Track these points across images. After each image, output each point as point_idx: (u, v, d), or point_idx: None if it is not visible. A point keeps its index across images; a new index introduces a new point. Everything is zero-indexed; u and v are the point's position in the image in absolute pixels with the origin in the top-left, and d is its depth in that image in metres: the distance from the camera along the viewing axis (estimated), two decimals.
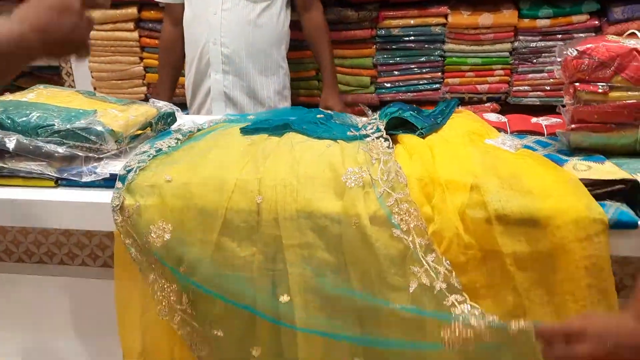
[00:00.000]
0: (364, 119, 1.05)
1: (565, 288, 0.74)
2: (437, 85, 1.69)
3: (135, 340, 0.90)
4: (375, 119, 0.98)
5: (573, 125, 0.92)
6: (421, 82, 1.69)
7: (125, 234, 0.85)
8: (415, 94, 1.70)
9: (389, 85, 1.72)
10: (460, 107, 1.07)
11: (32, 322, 1.06)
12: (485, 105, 1.66)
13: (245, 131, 0.98)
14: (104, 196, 0.87)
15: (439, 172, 0.81)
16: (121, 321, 0.90)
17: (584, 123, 0.91)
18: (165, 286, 0.83)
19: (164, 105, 1.05)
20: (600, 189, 0.77)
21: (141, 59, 1.80)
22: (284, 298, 0.82)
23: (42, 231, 1.01)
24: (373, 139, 0.90)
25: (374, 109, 1.07)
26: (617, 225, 0.73)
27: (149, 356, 0.90)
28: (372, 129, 0.94)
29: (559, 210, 0.74)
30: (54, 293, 1.02)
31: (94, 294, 1.00)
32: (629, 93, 0.88)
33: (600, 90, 0.89)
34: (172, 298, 0.83)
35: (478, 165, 0.82)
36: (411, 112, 0.96)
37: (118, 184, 0.86)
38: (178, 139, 0.98)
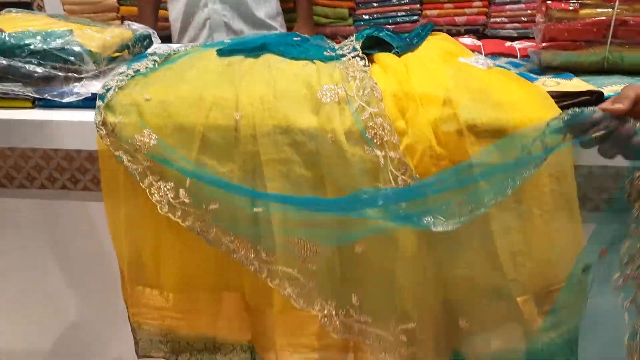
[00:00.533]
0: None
1: (530, 194, 0.78)
2: (416, 17, 1.69)
3: (126, 253, 0.93)
4: (352, 40, 0.98)
5: (544, 44, 0.94)
6: (399, 14, 1.69)
7: (114, 146, 0.85)
8: (393, 26, 1.69)
9: (367, 17, 1.71)
10: None
11: (14, 243, 1.08)
12: (464, 37, 1.67)
13: (221, 53, 0.98)
14: (85, 115, 0.87)
15: (413, 86, 0.83)
16: (113, 233, 0.92)
17: (555, 41, 0.93)
18: (162, 186, 0.85)
19: (140, 28, 1.04)
20: (566, 101, 0.80)
21: None
22: (261, 210, 0.85)
23: (22, 155, 1.01)
24: (349, 59, 0.91)
25: None
26: None
27: (139, 265, 0.93)
28: (348, 49, 0.95)
29: (527, 121, 0.77)
30: (35, 216, 1.04)
31: (75, 216, 1.02)
32: (598, 10, 0.90)
33: (571, 8, 0.91)
34: (170, 196, 0.85)
35: (451, 81, 0.84)
36: (388, 32, 0.96)
37: (98, 102, 0.86)
38: (155, 61, 0.97)
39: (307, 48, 0.98)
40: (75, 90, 0.90)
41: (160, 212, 0.85)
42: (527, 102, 0.79)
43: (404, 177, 0.80)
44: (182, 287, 0.94)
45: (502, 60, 1.02)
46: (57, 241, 1.10)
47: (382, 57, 0.92)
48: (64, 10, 1.79)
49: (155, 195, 0.85)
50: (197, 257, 0.92)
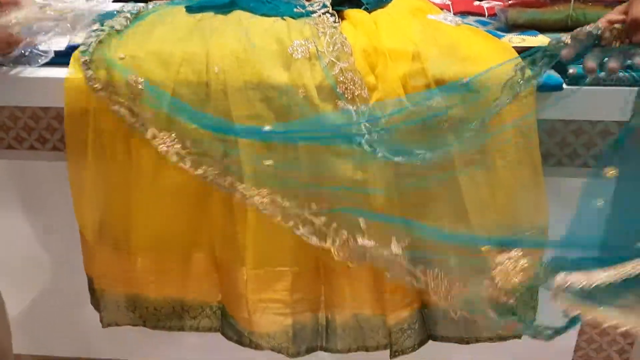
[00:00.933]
0: None
1: (495, 146, 0.80)
2: None
3: (91, 215, 0.93)
4: None
5: (510, 2, 0.96)
6: None
7: (113, 99, 0.84)
8: None
9: None
10: None
11: None
12: None
13: (190, 9, 0.97)
14: (53, 72, 0.86)
15: (382, 42, 0.84)
16: (76, 195, 0.92)
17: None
18: (165, 137, 0.84)
19: None
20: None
21: None
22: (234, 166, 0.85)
23: None
24: (319, 15, 0.91)
25: None
26: (544, 88, 0.79)
27: (106, 228, 0.93)
28: (318, 5, 0.95)
29: (492, 74, 0.79)
30: (3, 176, 1.03)
31: (43, 177, 1.01)
32: None
33: None
34: (177, 146, 0.84)
35: (419, 36, 0.85)
36: None
37: (83, 58, 0.85)
38: (127, 18, 0.96)
39: (277, 5, 0.97)
40: (41, 48, 0.88)
41: (171, 160, 0.84)
42: (492, 56, 0.81)
43: (376, 130, 0.81)
44: (151, 248, 0.93)
45: (471, 19, 1.03)
46: (25, 202, 1.09)
47: (352, 13, 0.92)
48: None
49: (162, 146, 0.84)
50: (168, 217, 0.92)
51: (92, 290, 1.02)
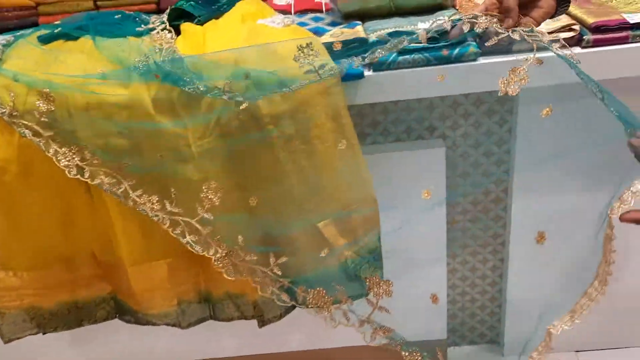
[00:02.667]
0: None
1: (314, 134, 0.90)
2: None
3: None
4: (165, 13, 1.07)
5: None
6: None
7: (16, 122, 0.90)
8: None
9: None
10: None
11: None
12: None
13: (41, 39, 1.04)
14: None
15: (207, 51, 0.92)
16: None
17: None
18: (66, 151, 0.91)
19: None
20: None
21: None
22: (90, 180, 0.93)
23: None
24: (158, 32, 1.00)
25: None
26: (348, 77, 0.89)
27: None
28: (158, 22, 1.03)
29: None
30: None
31: None
32: None
33: None
34: (76, 159, 0.91)
35: (242, 42, 0.94)
36: (192, 3, 1.05)
37: None
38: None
39: (122, 26, 1.05)
40: None
41: (68, 175, 0.91)
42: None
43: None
44: (34, 263, 1.02)
45: (308, 17, 1.12)
46: None
47: (185, 27, 1.01)
48: None
49: (62, 160, 0.90)
50: (45, 231, 1.00)
51: None
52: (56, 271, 1.04)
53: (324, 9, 1.16)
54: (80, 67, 0.94)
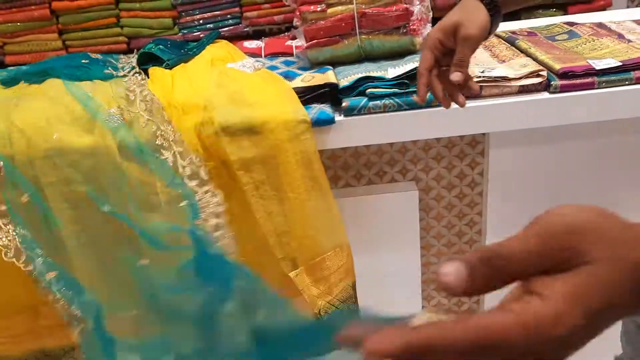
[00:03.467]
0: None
1: (284, 180, 0.88)
2: (237, 20, 1.77)
3: None
4: (134, 56, 1.05)
5: (306, 44, 1.05)
6: (221, 19, 1.76)
7: None
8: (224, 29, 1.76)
9: (192, 24, 1.76)
10: (222, 40, 1.17)
11: None
12: (285, 34, 1.77)
13: (4, 82, 1.01)
14: None
15: (175, 96, 0.91)
16: None
17: (315, 39, 1.04)
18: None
19: None
20: (309, 94, 0.91)
21: None
22: (56, 230, 0.90)
23: None
24: (129, 76, 0.98)
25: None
26: (319, 123, 0.88)
27: None
28: (128, 67, 1.01)
29: (272, 116, 0.87)
30: None
31: None
32: (341, 7, 1.01)
33: (319, 9, 1.02)
34: (18, 241, 0.87)
35: (212, 87, 0.92)
36: (161, 47, 1.04)
37: None
38: None
39: (88, 68, 1.03)
40: None
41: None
42: (274, 100, 0.90)
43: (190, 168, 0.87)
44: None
45: (278, 60, 1.12)
46: None
47: (153, 71, 0.99)
48: None
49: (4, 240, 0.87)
50: (7, 283, 0.96)
51: None
52: (21, 320, 1.00)
53: (294, 52, 1.16)
54: (41, 111, 0.91)
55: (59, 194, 0.88)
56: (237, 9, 1.75)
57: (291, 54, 1.16)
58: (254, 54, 1.14)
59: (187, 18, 1.76)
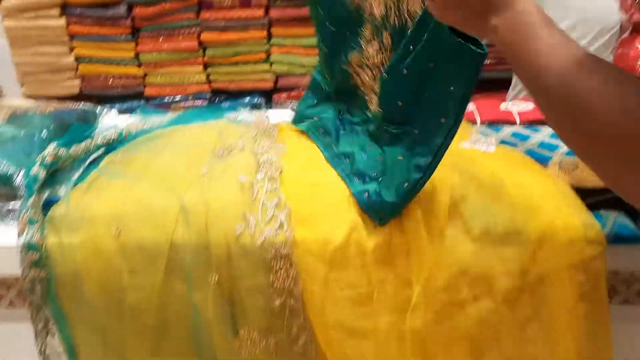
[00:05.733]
0: None
1: (562, 320, 0.64)
2: None
3: None
4: None
5: None
6: None
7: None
8: None
9: None
10: None
11: None
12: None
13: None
14: None
15: None
16: None
17: None
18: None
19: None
20: (595, 198, 0.67)
21: (71, 49, 1.61)
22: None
23: None
24: None
25: None
26: (616, 241, 0.64)
27: None
28: None
29: (550, 230, 0.64)
30: None
31: None
32: None
33: None
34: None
35: (456, 180, 0.70)
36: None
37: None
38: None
39: None
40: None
41: None
42: (548, 201, 0.66)
43: None
44: None
45: (506, 132, 0.88)
46: None
47: None
48: (17, 72, 1.64)
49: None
50: None
51: None
52: None
53: (517, 121, 0.91)
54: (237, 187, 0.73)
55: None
56: None
57: (513, 122, 0.91)
58: (468, 120, 0.91)
59: None
